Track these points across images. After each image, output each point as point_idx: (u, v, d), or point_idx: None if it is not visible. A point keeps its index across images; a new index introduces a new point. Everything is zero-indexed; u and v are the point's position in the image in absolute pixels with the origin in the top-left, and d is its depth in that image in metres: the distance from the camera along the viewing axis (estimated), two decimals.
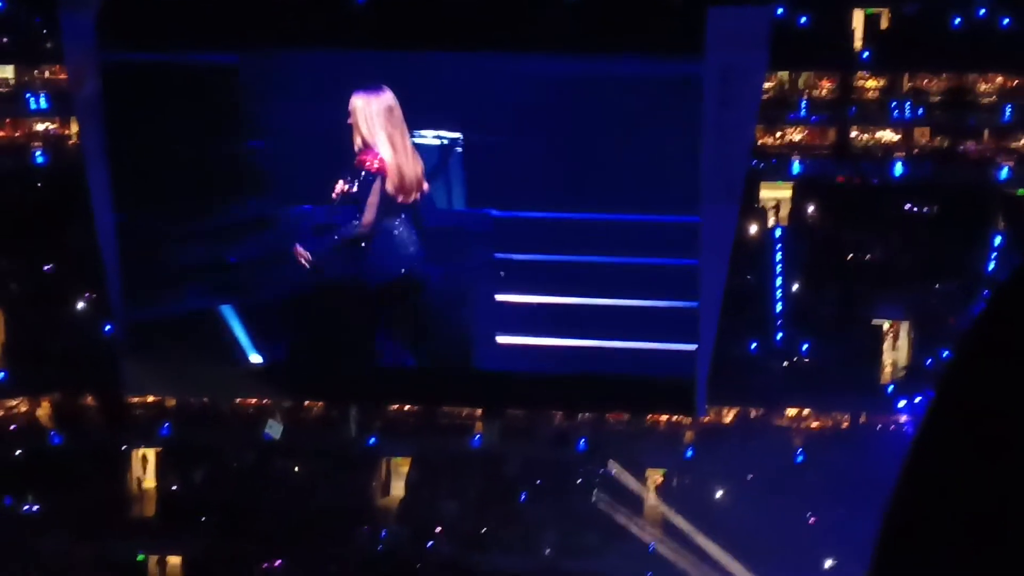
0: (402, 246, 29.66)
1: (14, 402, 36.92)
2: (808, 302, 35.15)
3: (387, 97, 28.81)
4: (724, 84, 28.66)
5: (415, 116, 29.36)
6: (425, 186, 29.41)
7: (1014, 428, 2.54)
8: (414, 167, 29.15)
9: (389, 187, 29.01)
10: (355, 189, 28.97)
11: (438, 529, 35.23)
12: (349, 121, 28.86)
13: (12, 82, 36.70)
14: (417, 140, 29.45)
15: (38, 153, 35.90)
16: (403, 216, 29.45)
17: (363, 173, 28.94)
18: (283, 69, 30.25)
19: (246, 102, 30.48)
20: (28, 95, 35.98)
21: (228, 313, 31.11)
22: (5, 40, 35.31)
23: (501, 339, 30.95)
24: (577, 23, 30.57)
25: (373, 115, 28.74)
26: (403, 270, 29.93)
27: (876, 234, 35.47)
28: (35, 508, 35.55)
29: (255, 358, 31.74)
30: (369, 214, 29.21)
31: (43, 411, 37.01)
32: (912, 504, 2.75)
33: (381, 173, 28.99)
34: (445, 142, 29.74)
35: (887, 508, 2.83)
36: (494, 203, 30.03)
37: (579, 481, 34.94)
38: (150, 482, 37.12)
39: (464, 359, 31.44)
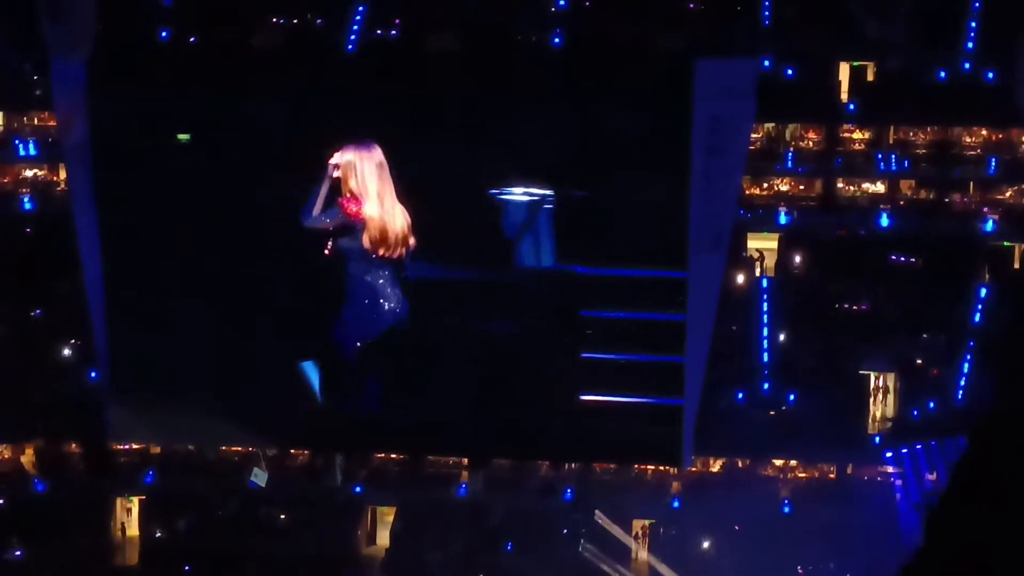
0: (385, 301, 29.71)
1: None
2: (795, 353, 35.19)
3: (377, 153, 28.84)
4: (712, 135, 28.83)
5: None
6: (411, 241, 29.37)
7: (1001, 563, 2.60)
8: (400, 224, 29.16)
9: (368, 242, 29.06)
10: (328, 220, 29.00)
11: None
12: (336, 174, 28.80)
13: (1, 128, 36.77)
14: (507, 197, 29.58)
15: (26, 199, 35.92)
16: (386, 271, 29.48)
17: (338, 211, 28.91)
18: (281, 114, 30.32)
19: (239, 148, 30.55)
20: (16, 141, 36.03)
21: (309, 369, 31.06)
22: None
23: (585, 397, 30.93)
24: (565, 73, 30.78)
25: (365, 171, 28.76)
26: (386, 324, 29.93)
27: (862, 285, 35.58)
28: (18, 555, 35.30)
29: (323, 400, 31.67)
30: (313, 222, 28.95)
31: (27, 458, 36.83)
32: None
33: (358, 222, 28.99)
34: (534, 198, 29.73)
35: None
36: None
37: (565, 531, 34.83)
38: (134, 530, 36.92)
39: (455, 409, 31.36)
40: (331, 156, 28.55)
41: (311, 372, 31.03)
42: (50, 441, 36.47)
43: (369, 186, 28.75)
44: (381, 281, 29.56)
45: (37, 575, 34.60)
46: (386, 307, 29.75)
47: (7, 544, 35.38)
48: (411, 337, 30.20)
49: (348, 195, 28.86)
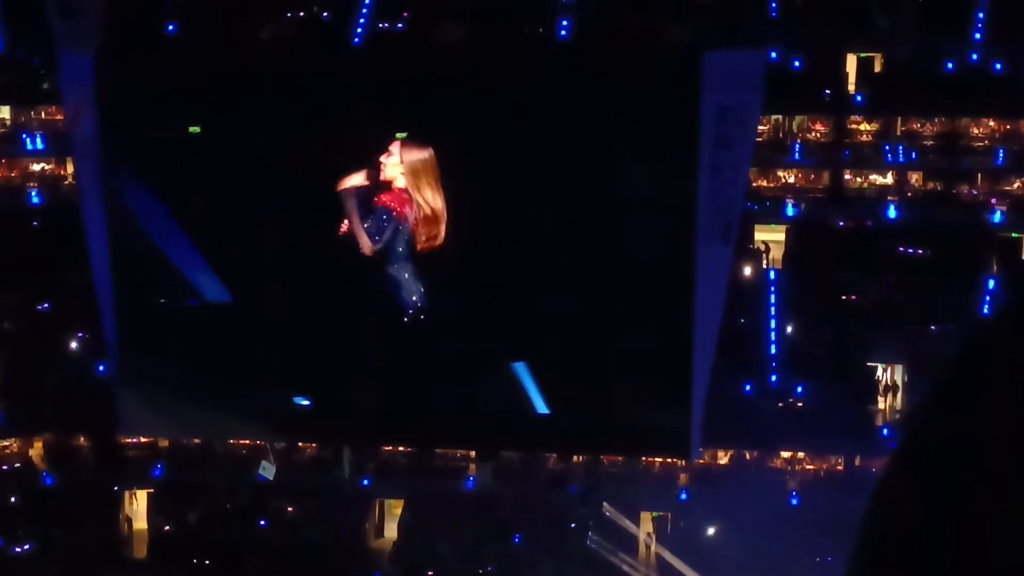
0: (408, 292, 29.97)
1: (7, 442, 36.79)
2: (803, 344, 35.15)
3: (432, 152, 29.31)
4: (720, 126, 28.80)
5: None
6: (441, 232, 29.71)
7: (984, 464, 2.58)
8: (439, 218, 29.61)
9: (414, 240, 29.57)
10: (369, 225, 29.34)
11: (431, 572, 35.08)
12: (383, 158, 29.11)
13: (8, 122, 36.80)
14: None
15: (34, 193, 35.95)
16: (409, 266, 29.80)
17: (382, 212, 29.23)
18: (287, 107, 30.39)
19: (246, 141, 30.60)
20: (24, 135, 36.05)
21: None
22: (3, 81, 35.42)
23: None
24: (574, 64, 30.77)
25: (421, 167, 29.18)
26: (410, 312, 30.16)
27: (870, 277, 35.52)
28: (27, 548, 35.35)
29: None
30: (376, 245, 29.42)
31: (36, 451, 36.89)
32: (885, 529, 2.80)
33: (401, 219, 29.29)
34: None
35: (863, 536, 2.88)
36: None
37: (573, 523, 34.83)
38: (143, 523, 36.97)
39: (467, 400, 31.35)
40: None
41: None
42: (59, 434, 36.54)
43: (422, 183, 29.32)
44: (406, 275, 29.86)
45: (47, 569, 34.65)
46: (409, 298, 30.02)
47: (16, 537, 35.44)
48: (423, 331, 30.30)
49: (386, 187, 29.36)
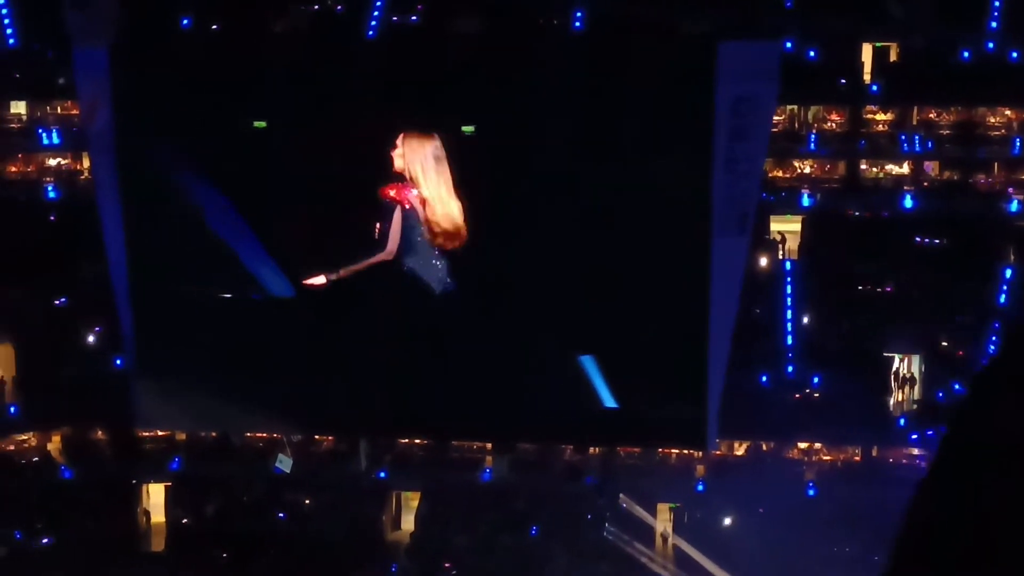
0: (425, 285, 30.15)
1: (25, 436, 36.93)
2: (819, 335, 35.10)
3: (437, 143, 29.46)
4: (735, 117, 28.74)
5: None
6: (463, 234, 29.86)
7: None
8: (453, 217, 29.73)
9: (427, 232, 29.65)
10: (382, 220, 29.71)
11: (448, 563, 35.13)
12: (393, 151, 29.39)
13: (25, 117, 36.87)
14: None
15: (50, 188, 36.04)
16: (436, 253, 30.03)
17: (384, 204, 29.52)
18: (301, 100, 30.43)
19: (260, 133, 30.64)
20: (40, 130, 36.12)
21: None
22: (18, 75, 35.50)
23: None
24: (588, 56, 30.72)
25: (425, 159, 29.42)
26: (427, 303, 30.38)
27: (886, 267, 35.45)
28: (46, 542, 35.49)
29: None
30: (392, 243, 29.63)
31: (54, 445, 37.01)
32: (926, 526, 2.80)
33: (399, 203, 29.52)
34: None
35: (901, 528, 2.88)
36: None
37: (590, 515, 34.85)
38: (160, 516, 37.08)
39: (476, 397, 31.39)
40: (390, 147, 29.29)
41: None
42: (77, 428, 36.64)
43: (427, 174, 29.56)
44: (425, 266, 30.01)
45: (65, 562, 34.77)
46: (424, 293, 30.19)
47: (35, 531, 35.57)
48: (443, 323, 30.39)
49: (394, 178, 29.63)
